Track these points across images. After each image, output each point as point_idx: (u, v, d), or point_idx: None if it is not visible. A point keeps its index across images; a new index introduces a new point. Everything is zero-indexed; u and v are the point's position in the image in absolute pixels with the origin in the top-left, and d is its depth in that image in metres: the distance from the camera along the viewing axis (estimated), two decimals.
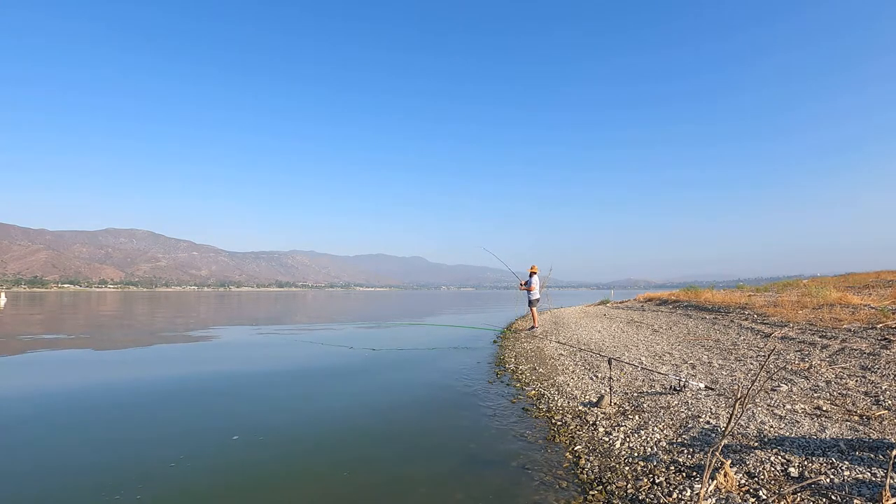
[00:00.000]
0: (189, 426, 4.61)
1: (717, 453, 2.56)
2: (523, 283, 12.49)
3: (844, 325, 7.43)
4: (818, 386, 4.72)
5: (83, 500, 3.07)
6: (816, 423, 3.57)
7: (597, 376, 6.12)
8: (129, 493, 3.12)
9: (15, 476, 3.45)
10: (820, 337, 7.04)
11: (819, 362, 5.68)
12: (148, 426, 4.62)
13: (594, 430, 4.04)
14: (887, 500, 2.26)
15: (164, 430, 4.46)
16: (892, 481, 2.43)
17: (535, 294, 12.22)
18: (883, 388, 4.42)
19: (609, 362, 5.14)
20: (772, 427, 3.54)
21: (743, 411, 2.95)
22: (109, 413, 5.10)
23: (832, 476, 2.64)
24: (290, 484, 3.29)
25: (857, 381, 4.77)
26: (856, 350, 5.98)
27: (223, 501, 3.08)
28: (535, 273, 12.33)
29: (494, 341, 11.19)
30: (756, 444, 3.24)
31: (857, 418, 3.68)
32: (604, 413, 4.45)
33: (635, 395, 4.95)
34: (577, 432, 4.05)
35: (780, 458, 2.96)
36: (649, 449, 3.44)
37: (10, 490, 3.22)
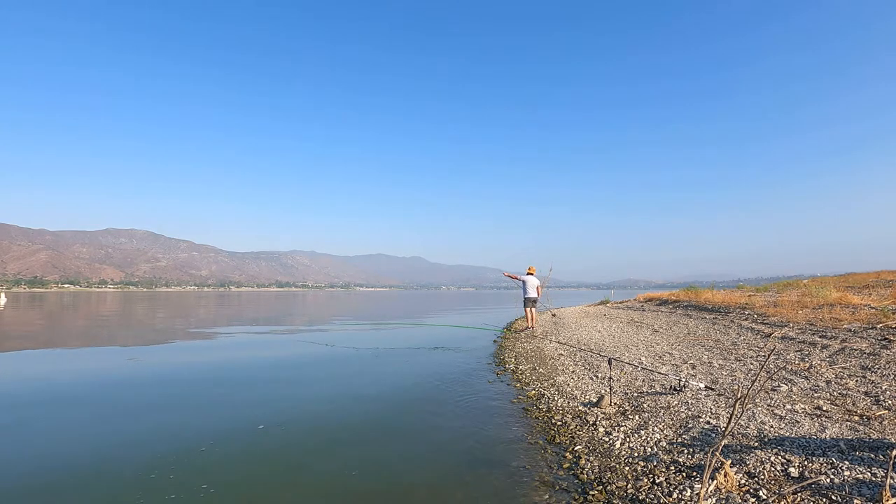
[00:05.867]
0: (217, 416, 5.01)
1: (718, 453, 2.56)
2: (508, 273, 12.66)
3: (844, 325, 7.43)
4: (818, 386, 4.71)
5: (121, 478, 3.38)
6: (816, 423, 3.57)
7: (597, 376, 6.12)
8: (162, 473, 3.43)
9: (58, 455, 3.85)
10: (820, 337, 7.04)
11: (819, 362, 5.68)
12: (179, 416, 5.00)
13: (594, 430, 4.04)
14: (887, 500, 2.26)
15: (193, 419, 4.85)
16: (892, 481, 2.43)
17: (531, 294, 12.22)
18: (883, 388, 4.42)
19: (609, 362, 5.14)
20: (772, 427, 3.54)
21: (743, 411, 2.95)
22: (143, 403, 5.57)
23: (832, 476, 2.64)
24: (302, 477, 3.45)
25: (857, 381, 4.77)
26: (856, 350, 5.98)
27: (247, 485, 3.28)
28: (531, 273, 12.35)
29: (494, 341, 11.20)
30: (756, 444, 3.24)
31: (857, 418, 3.68)
32: (604, 413, 4.45)
33: (635, 395, 4.95)
34: (577, 432, 4.05)
35: (780, 458, 2.96)
36: (649, 449, 3.44)
37: (54, 467, 3.60)
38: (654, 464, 3.16)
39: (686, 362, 6.57)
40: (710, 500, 2.55)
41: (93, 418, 4.93)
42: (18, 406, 5.43)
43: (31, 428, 4.61)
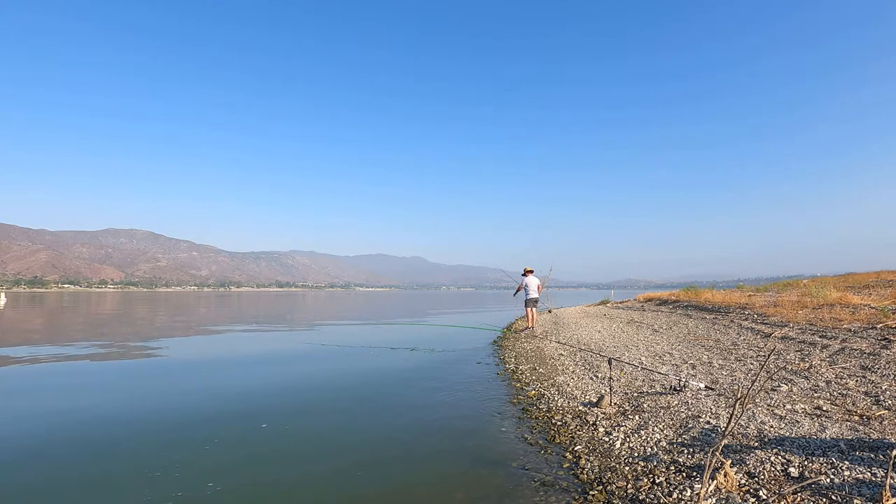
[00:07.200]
0: (219, 415, 5.06)
1: (718, 453, 2.56)
2: (519, 287, 12.56)
3: (844, 325, 7.43)
4: (818, 386, 4.71)
5: (125, 477, 3.42)
6: (816, 423, 3.57)
7: (597, 376, 6.12)
8: (167, 472, 3.47)
9: (60, 454, 3.91)
10: (820, 337, 7.04)
11: (819, 362, 5.68)
12: (181, 415, 5.05)
13: (594, 430, 4.04)
14: (887, 500, 2.26)
15: (195, 418, 4.90)
16: (892, 481, 2.43)
17: (531, 294, 12.19)
18: (883, 388, 4.42)
19: (609, 362, 5.14)
20: (772, 427, 3.54)
21: (743, 411, 2.95)
22: (145, 403, 5.63)
23: (832, 476, 2.64)
24: (304, 476, 3.48)
25: (857, 381, 4.77)
26: (856, 350, 5.98)
27: (252, 483, 3.32)
28: (531, 272, 12.30)
29: (494, 341, 11.20)
30: (756, 444, 3.24)
31: (857, 418, 3.68)
32: (604, 413, 4.45)
33: (635, 395, 4.95)
34: (578, 432, 4.05)
35: (780, 458, 2.96)
36: (649, 449, 3.44)
37: (57, 465, 3.66)
38: (654, 464, 3.16)
39: (686, 362, 6.57)
40: (710, 500, 2.55)
41: (94, 419, 4.94)
42: (16, 403, 5.45)
43: (33, 425, 4.64)
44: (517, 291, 12.53)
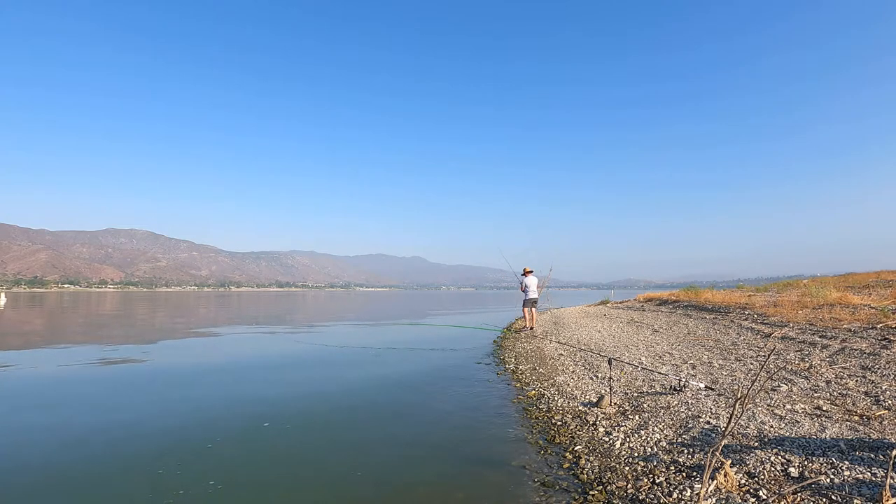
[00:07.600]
0: (222, 414, 5.08)
1: (718, 453, 2.56)
2: (522, 287, 12.42)
3: (844, 325, 7.43)
4: (818, 386, 4.71)
5: (129, 475, 3.44)
6: (816, 423, 3.57)
7: (597, 376, 6.12)
8: (169, 470, 3.49)
9: (64, 452, 3.93)
10: (820, 337, 7.04)
11: (819, 362, 5.68)
12: (184, 414, 5.09)
13: (594, 430, 4.04)
14: (887, 500, 2.26)
15: (198, 417, 4.95)
16: (892, 481, 2.43)
17: (531, 294, 12.13)
18: (883, 388, 4.42)
19: (609, 362, 5.14)
20: (772, 427, 3.54)
21: (743, 411, 2.95)
22: (147, 401, 5.67)
23: (832, 476, 2.64)
24: (306, 475, 3.49)
25: (857, 381, 4.77)
26: (856, 350, 5.98)
27: (253, 482, 3.33)
28: (528, 273, 12.23)
29: (494, 341, 11.20)
30: (756, 444, 3.24)
31: (857, 418, 3.68)
32: (604, 413, 4.45)
33: (635, 395, 4.95)
34: (578, 432, 4.05)
35: (780, 458, 2.96)
36: (649, 449, 3.44)
37: (62, 464, 3.69)
38: (654, 464, 3.16)
39: (686, 362, 6.57)
40: (710, 500, 2.55)
41: (98, 417, 4.96)
42: (21, 405, 5.46)
43: (36, 424, 4.65)
44: (524, 290, 12.37)
